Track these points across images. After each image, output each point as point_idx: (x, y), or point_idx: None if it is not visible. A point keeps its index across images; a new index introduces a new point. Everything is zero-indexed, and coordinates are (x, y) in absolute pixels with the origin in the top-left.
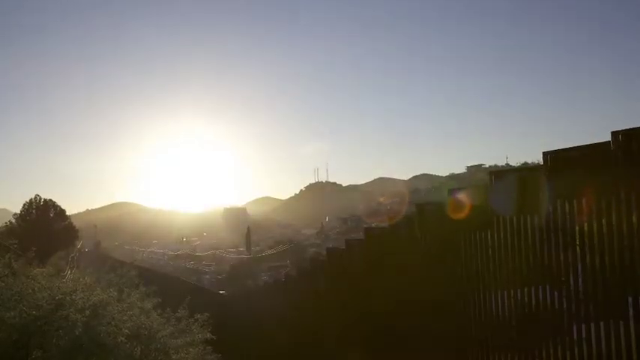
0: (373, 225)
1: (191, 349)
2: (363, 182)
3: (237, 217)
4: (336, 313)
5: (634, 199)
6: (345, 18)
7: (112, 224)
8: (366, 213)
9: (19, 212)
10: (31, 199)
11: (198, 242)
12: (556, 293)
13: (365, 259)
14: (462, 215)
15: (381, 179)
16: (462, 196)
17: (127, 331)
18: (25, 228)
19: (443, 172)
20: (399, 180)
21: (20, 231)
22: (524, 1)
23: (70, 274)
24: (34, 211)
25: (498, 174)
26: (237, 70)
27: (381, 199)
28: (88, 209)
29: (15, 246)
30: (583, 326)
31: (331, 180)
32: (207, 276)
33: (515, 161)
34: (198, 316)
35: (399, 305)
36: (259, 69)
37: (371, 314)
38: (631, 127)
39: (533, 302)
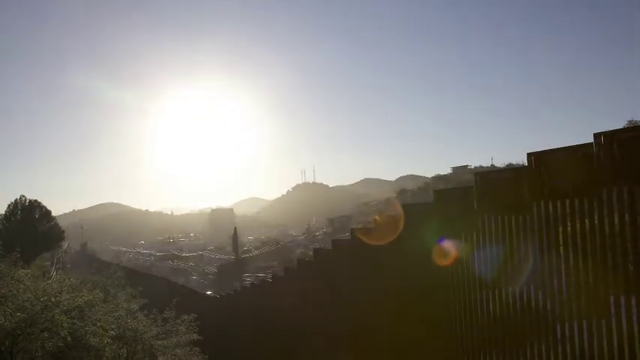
0: (360, 226)
1: (177, 350)
2: (350, 183)
3: (224, 217)
4: (324, 311)
5: (615, 199)
6: (333, 21)
7: (98, 225)
8: (353, 213)
9: (3, 213)
10: (16, 200)
11: (185, 243)
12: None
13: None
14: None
15: (367, 180)
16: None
17: (113, 332)
18: (10, 229)
19: (429, 172)
20: (386, 181)
21: (5, 232)
22: (510, 5)
23: (56, 275)
24: (19, 212)
25: (481, 175)
26: (223, 71)
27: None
28: (74, 210)
29: None
30: (567, 325)
31: (318, 181)
32: (194, 277)
33: (500, 162)
34: (185, 317)
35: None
36: (246, 71)
37: (358, 312)
38: (612, 129)
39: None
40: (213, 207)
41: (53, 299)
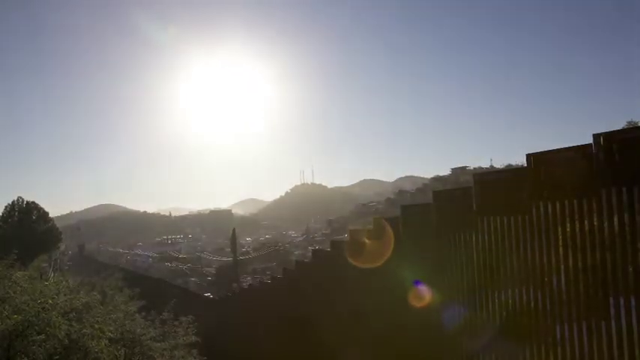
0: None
1: (175, 352)
2: (349, 184)
3: (222, 218)
4: (322, 313)
5: (615, 200)
6: (331, 18)
7: (96, 226)
8: (352, 214)
9: (1, 214)
10: (13, 201)
11: (183, 244)
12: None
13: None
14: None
15: (366, 181)
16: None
17: (110, 334)
18: (7, 230)
19: (428, 173)
20: (384, 182)
21: (2, 233)
22: (510, 6)
23: (54, 276)
24: (16, 214)
25: (480, 176)
26: (223, 71)
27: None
28: (71, 211)
29: None
30: (566, 326)
31: (317, 182)
32: (193, 278)
33: (499, 163)
34: (183, 318)
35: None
36: (245, 72)
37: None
38: (612, 129)
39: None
40: (212, 208)
41: (50, 301)
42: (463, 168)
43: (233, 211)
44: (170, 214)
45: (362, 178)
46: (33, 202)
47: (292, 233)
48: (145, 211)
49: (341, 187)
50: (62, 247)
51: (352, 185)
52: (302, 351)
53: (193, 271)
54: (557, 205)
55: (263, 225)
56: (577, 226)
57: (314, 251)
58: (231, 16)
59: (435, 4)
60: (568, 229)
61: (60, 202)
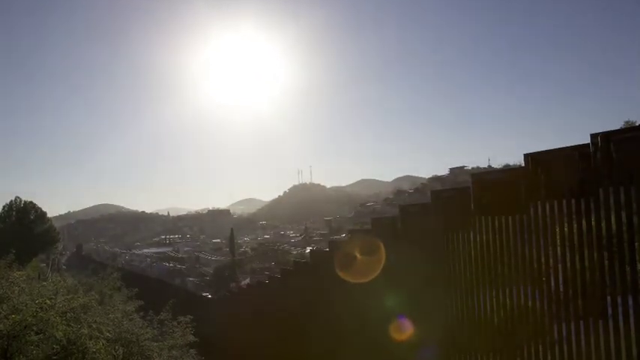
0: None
1: (174, 352)
2: (347, 184)
3: (220, 218)
4: (321, 312)
5: (612, 199)
6: (329, 17)
7: (93, 226)
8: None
9: None
10: (11, 201)
11: (181, 244)
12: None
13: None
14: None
15: (364, 180)
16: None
17: (108, 334)
18: (5, 230)
19: (426, 173)
20: (383, 181)
21: (0, 234)
22: (507, 6)
23: (52, 276)
24: (14, 214)
25: (477, 176)
26: (221, 67)
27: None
28: (69, 211)
29: None
30: (564, 326)
31: (315, 181)
32: (191, 278)
33: (497, 163)
34: (181, 318)
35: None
36: (244, 71)
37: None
38: (609, 129)
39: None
40: (210, 208)
41: (48, 301)
42: (461, 168)
43: (231, 211)
44: (168, 214)
45: (360, 178)
46: (31, 202)
47: (290, 233)
48: (143, 211)
49: (339, 187)
50: (60, 247)
51: (350, 185)
52: (300, 351)
53: (191, 271)
54: (555, 204)
55: (261, 225)
56: (574, 225)
57: (312, 251)
58: (230, 11)
59: (434, 3)
60: (566, 229)
61: (58, 202)
